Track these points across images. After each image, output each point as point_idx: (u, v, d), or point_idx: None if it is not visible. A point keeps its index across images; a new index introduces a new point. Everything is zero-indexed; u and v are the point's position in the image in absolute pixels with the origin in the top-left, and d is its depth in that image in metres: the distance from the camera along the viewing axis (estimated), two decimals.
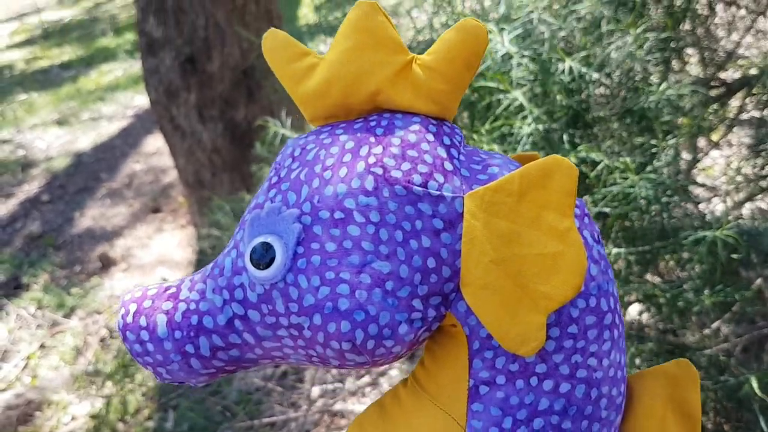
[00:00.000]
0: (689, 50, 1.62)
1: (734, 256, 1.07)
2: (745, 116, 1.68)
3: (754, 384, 1.06)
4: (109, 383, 2.40)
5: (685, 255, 1.09)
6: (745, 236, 1.16)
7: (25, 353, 2.66)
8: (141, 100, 5.07)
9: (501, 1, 1.25)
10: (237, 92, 2.72)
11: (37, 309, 2.94)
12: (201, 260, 3.05)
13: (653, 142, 1.12)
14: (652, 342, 1.27)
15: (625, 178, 1.04)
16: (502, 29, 1.19)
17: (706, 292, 1.06)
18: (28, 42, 7.47)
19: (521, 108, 1.15)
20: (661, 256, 1.14)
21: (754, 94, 1.54)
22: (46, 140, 4.70)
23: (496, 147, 1.13)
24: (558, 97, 1.10)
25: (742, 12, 1.52)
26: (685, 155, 1.69)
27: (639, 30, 1.10)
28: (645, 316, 1.36)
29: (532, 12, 1.20)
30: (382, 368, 2.28)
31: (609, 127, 1.21)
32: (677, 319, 1.24)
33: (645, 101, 1.09)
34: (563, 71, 1.10)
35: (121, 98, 5.36)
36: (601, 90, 1.19)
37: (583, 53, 1.12)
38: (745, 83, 1.61)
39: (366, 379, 2.24)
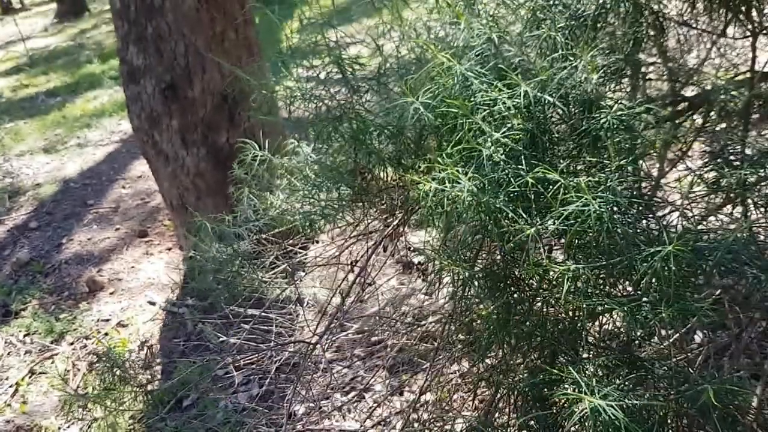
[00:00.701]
0: (652, 68, 1.68)
1: (686, 269, 1.12)
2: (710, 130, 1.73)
3: (711, 394, 1.11)
4: (97, 407, 2.42)
5: (641, 269, 1.13)
6: (705, 249, 1.21)
7: (14, 379, 2.68)
8: (127, 125, 5.12)
9: (462, 30, 1.30)
10: (219, 116, 2.77)
11: (25, 335, 2.96)
12: (187, 283, 3.08)
13: (608, 161, 1.17)
14: (614, 353, 1.32)
15: (580, 197, 1.08)
16: (462, 56, 1.24)
17: (662, 306, 1.11)
18: (14, 70, 7.51)
19: (483, 130, 1.20)
20: (619, 271, 1.18)
21: (712, 110, 1.59)
22: (33, 167, 4.74)
23: (460, 169, 1.18)
24: (515, 121, 1.15)
25: (696, 31, 1.58)
26: (654, 171, 1.75)
27: (590, 54, 1.16)
28: (608, 328, 1.41)
29: (490, 39, 1.25)
30: (366, 383, 2.31)
31: (567, 147, 1.26)
32: (638, 331, 1.28)
33: (597, 122, 1.15)
34: (519, 95, 1.15)
35: (107, 124, 5.40)
36: (558, 111, 1.24)
37: (539, 78, 1.17)
38: (706, 99, 1.67)
39: (351, 395, 2.28)
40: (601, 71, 1.20)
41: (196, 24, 2.59)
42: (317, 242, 3.04)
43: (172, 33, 2.59)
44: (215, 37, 2.64)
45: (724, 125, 1.59)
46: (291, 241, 1.90)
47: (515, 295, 1.38)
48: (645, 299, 1.16)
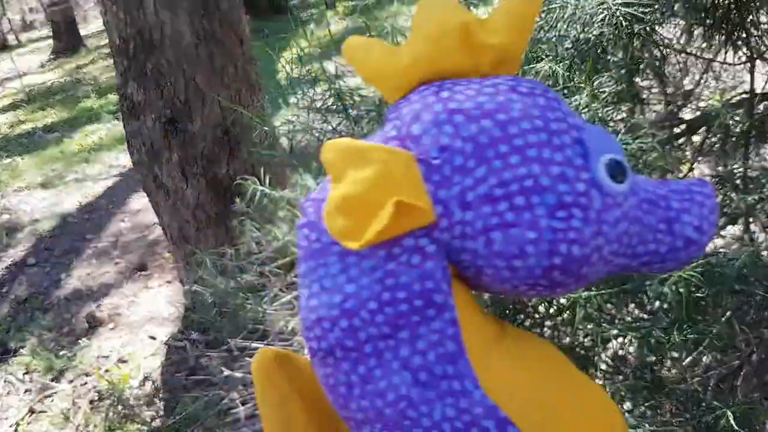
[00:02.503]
0: (651, 92, 1.69)
1: (698, 294, 1.11)
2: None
3: (731, 418, 1.09)
4: None
5: (652, 294, 1.13)
6: (716, 271, 1.20)
7: (14, 419, 2.65)
8: (125, 159, 5.12)
9: None
10: (219, 149, 2.77)
11: (25, 373, 2.93)
12: (187, 316, 3.06)
13: None
14: (629, 378, 1.30)
15: None
16: None
17: (675, 331, 1.10)
18: (11, 106, 7.54)
19: None
20: (630, 296, 1.18)
21: (712, 132, 1.60)
22: (31, 203, 4.73)
23: None
24: None
25: (694, 57, 1.59)
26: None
27: (594, 85, 1.17)
28: (622, 352, 1.39)
29: None
30: None
31: None
32: (652, 354, 1.27)
33: None
34: None
35: (105, 158, 5.41)
36: None
37: None
38: (705, 121, 1.68)
39: None
40: (603, 99, 1.21)
41: (195, 59, 2.61)
42: None
43: (172, 68, 2.61)
44: (214, 72, 2.66)
45: (726, 145, 1.59)
46: (295, 273, 1.89)
47: (524, 323, 1.37)
48: (657, 325, 1.16)
